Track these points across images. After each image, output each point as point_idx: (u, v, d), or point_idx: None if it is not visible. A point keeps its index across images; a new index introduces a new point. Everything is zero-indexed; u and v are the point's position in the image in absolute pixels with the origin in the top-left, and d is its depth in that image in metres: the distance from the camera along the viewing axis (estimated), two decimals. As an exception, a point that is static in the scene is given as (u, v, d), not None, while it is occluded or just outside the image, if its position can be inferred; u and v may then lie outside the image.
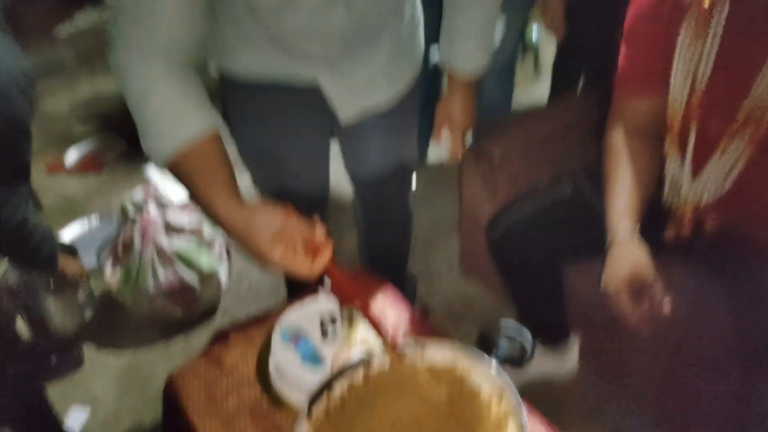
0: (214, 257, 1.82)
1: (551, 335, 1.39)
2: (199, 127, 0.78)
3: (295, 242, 0.79)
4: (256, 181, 1.32)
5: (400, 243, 1.60)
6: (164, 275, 1.73)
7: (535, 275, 1.30)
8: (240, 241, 0.80)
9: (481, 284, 1.91)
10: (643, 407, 1.49)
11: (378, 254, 1.59)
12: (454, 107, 1.22)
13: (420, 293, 1.87)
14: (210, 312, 1.91)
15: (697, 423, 1.36)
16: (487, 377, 0.88)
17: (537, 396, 1.00)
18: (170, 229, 1.79)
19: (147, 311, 1.78)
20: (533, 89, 3.04)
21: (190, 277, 1.75)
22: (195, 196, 0.81)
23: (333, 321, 1.09)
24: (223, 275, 1.84)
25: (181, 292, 1.74)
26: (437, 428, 0.81)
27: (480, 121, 2.37)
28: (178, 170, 0.79)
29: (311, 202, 1.32)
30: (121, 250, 1.77)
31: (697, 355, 1.26)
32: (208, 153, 0.79)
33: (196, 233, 1.82)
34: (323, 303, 1.13)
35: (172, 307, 1.76)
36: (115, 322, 1.90)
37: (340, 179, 1.46)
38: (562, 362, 1.55)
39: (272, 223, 0.78)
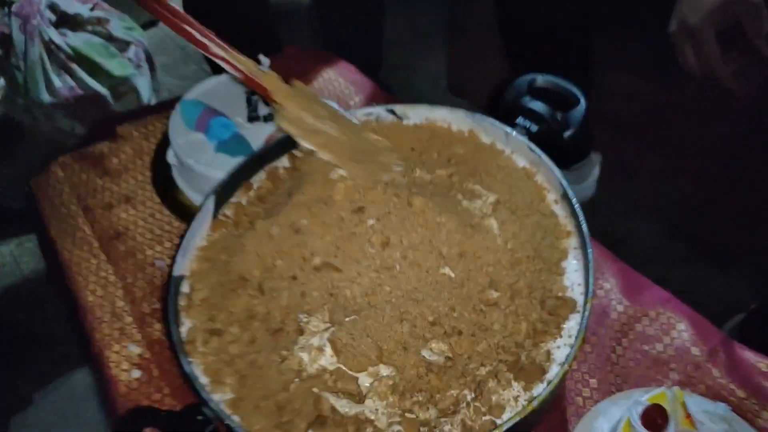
0: (127, 63, 1.39)
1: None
2: None
3: None
4: None
5: (368, 31, 1.20)
6: (61, 83, 1.31)
7: (555, 48, 0.92)
8: None
9: (470, 104, 1.55)
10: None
11: (342, 44, 1.20)
12: None
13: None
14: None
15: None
16: (509, 147, 0.54)
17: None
18: (64, 22, 1.34)
19: (47, 131, 1.38)
20: None
21: (98, 87, 1.33)
22: None
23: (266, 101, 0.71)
24: (143, 87, 1.42)
25: (86, 105, 1.33)
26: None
27: None
28: None
29: None
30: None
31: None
32: None
33: (101, 29, 1.37)
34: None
35: (79, 126, 1.37)
36: (9, 144, 1.50)
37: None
38: (582, 182, 1.23)
39: None
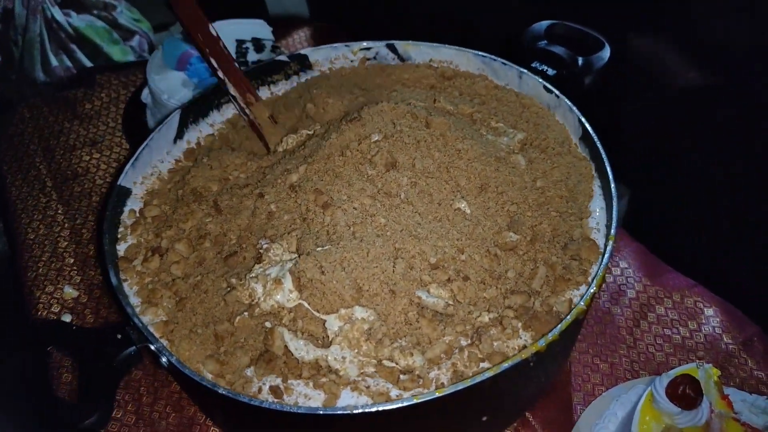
0: (129, 51, 1.35)
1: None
2: None
3: None
4: None
5: None
6: (58, 62, 1.27)
7: None
8: None
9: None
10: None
11: None
12: None
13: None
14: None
15: None
16: (522, 91, 0.48)
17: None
18: (70, 3, 1.31)
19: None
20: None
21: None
22: None
23: (260, 46, 0.66)
24: (142, 76, 1.38)
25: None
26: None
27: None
28: None
29: None
30: (-2, 24, 1.29)
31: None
32: None
33: (107, 15, 1.35)
34: (250, 25, 0.69)
35: (69, 108, 1.31)
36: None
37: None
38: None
39: None
